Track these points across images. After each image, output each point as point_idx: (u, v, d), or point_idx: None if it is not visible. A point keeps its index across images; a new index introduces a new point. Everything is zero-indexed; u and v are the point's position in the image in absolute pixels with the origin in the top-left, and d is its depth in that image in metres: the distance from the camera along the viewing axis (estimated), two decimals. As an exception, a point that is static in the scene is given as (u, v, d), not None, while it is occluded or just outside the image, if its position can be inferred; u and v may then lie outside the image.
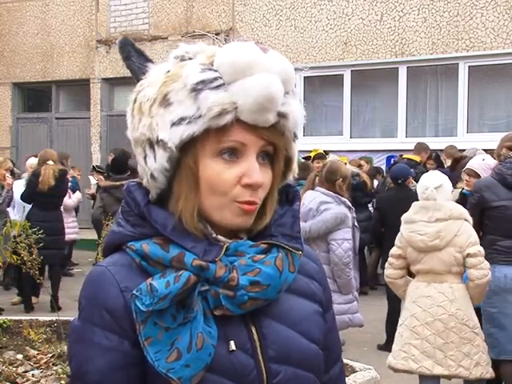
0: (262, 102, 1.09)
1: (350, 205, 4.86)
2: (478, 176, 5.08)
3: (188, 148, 1.13)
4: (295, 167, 1.24)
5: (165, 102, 1.13)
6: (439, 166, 8.48)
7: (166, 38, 12.70)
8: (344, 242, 4.66)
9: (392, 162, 9.71)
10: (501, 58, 10.26)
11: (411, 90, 11.06)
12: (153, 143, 1.14)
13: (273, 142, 1.15)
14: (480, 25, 10.32)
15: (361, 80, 11.44)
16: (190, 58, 1.15)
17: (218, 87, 1.10)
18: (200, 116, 1.10)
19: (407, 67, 10.99)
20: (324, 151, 8.71)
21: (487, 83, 10.76)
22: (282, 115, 1.13)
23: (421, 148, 8.72)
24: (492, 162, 5.07)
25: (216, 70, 1.11)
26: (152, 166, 1.15)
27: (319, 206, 4.66)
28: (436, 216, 4.22)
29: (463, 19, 10.42)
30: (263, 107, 1.10)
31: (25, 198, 7.76)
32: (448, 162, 8.60)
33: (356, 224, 4.94)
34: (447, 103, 10.97)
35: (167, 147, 1.12)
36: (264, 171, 1.15)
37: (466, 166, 5.37)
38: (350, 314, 4.69)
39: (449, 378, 4.26)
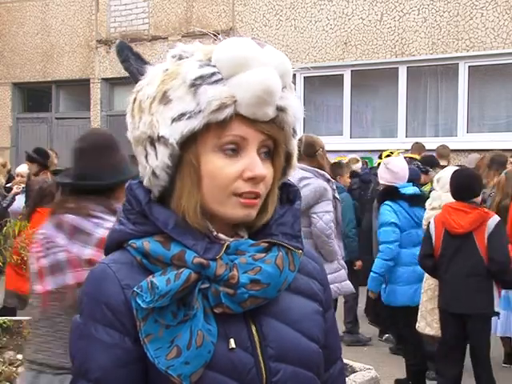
0: (260, 96, 1.10)
1: (329, 177, 4.85)
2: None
3: (189, 144, 1.13)
4: (295, 163, 1.25)
5: (164, 99, 1.14)
6: None
7: (166, 38, 12.70)
8: (325, 215, 4.63)
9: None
10: (501, 58, 10.26)
11: (411, 90, 11.05)
12: (154, 141, 1.15)
13: (272, 137, 1.16)
14: (480, 25, 10.32)
15: (361, 80, 11.44)
16: (187, 57, 1.16)
17: (216, 82, 1.11)
18: (200, 111, 1.11)
19: (407, 67, 10.98)
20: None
21: (487, 83, 10.76)
22: (280, 109, 1.15)
23: (419, 148, 8.91)
24: (390, 163, 5.49)
25: (214, 66, 1.13)
26: (154, 163, 1.15)
27: (299, 182, 4.57)
28: (433, 205, 4.94)
29: (463, 19, 10.42)
30: (262, 100, 1.11)
31: (25, 202, 7.81)
32: (440, 162, 8.75)
33: (337, 196, 4.91)
34: (447, 103, 10.97)
35: (168, 143, 1.13)
36: (265, 166, 1.16)
37: None
38: (337, 283, 4.63)
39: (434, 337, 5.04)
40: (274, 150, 1.18)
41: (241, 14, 12.14)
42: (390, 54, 10.97)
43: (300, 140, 5.08)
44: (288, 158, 1.23)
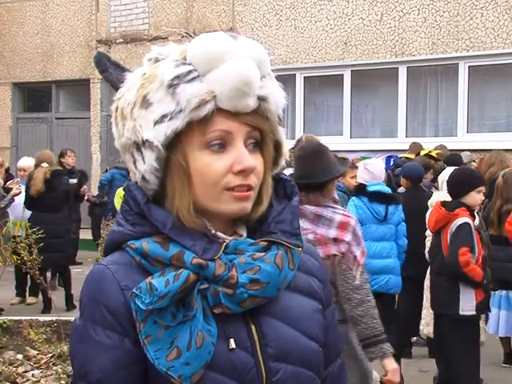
0: (239, 87, 1.10)
1: None
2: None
3: (175, 145, 1.14)
4: (285, 152, 1.25)
5: (145, 103, 1.14)
6: None
7: (166, 38, 12.70)
8: None
9: (392, 162, 9.71)
10: (501, 58, 10.26)
11: (411, 90, 11.05)
12: (139, 146, 1.15)
13: (258, 127, 1.16)
14: (480, 25, 10.31)
15: (361, 80, 11.43)
16: (163, 59, 1.17)
17: (193, 79, 1.12)
18: (181, 110, 1.11)
19: (407, 67, 10.98)
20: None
21: (487, 83, 10.76)
22: (262, 99, 1.14)
23: (416, 148, 8.90)
24: (369, 164, 5.66)
25: (190, 64, 1.13)
26: (142, 168, 1.16)
27: None
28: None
29: (463, 19, 10.42)
30: (241, 92, 1.11)
31: (25, 202, 7.78)
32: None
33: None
34: (447, 103, 10.97)
35: (153, 146, 1.13)
36: (254, 157, 1.16)
37: None
38: None
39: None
40: (262, 140, 1.18)
41: (241, 14, 12.14)
42: (390, 53, 10.97)
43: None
44: (277, 147, 1.22)
